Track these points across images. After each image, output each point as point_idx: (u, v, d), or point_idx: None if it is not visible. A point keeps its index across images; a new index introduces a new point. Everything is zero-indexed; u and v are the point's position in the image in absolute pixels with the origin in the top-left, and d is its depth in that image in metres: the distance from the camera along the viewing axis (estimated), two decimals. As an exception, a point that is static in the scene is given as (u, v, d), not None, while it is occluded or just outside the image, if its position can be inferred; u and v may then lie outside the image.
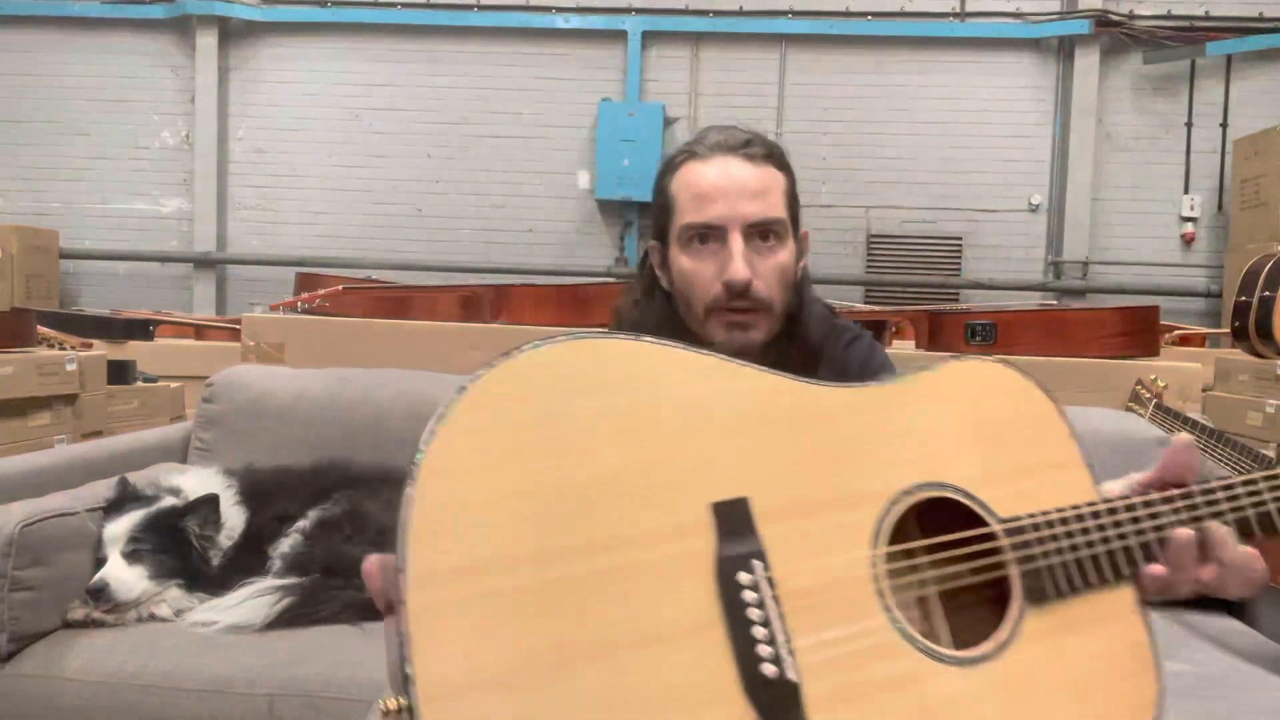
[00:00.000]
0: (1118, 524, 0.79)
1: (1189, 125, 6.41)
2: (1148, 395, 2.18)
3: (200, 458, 2.14)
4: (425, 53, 6.78)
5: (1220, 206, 6.35)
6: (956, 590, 0.79)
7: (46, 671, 1.50)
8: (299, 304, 3.10)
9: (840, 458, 0.75)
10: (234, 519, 1.76)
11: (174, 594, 1.64)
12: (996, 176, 6.54)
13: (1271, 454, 1.83)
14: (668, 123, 6.55)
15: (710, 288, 1.14)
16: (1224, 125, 6.35)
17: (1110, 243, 6.51)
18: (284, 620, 1.59)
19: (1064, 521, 0.78)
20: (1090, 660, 0.75)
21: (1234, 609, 1.95)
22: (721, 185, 1.14)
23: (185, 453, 2.19)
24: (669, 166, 1.21)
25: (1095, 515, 0.79)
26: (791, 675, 0.66)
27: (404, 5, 6.75)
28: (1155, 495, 0.81)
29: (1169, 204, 6.46)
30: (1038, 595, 0.76)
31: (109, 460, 1.99)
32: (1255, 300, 3.03)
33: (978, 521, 0.78)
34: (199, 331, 4.85)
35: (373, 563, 0.68)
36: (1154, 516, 0.80)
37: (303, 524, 1.75)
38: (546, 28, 6.69)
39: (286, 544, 1.72)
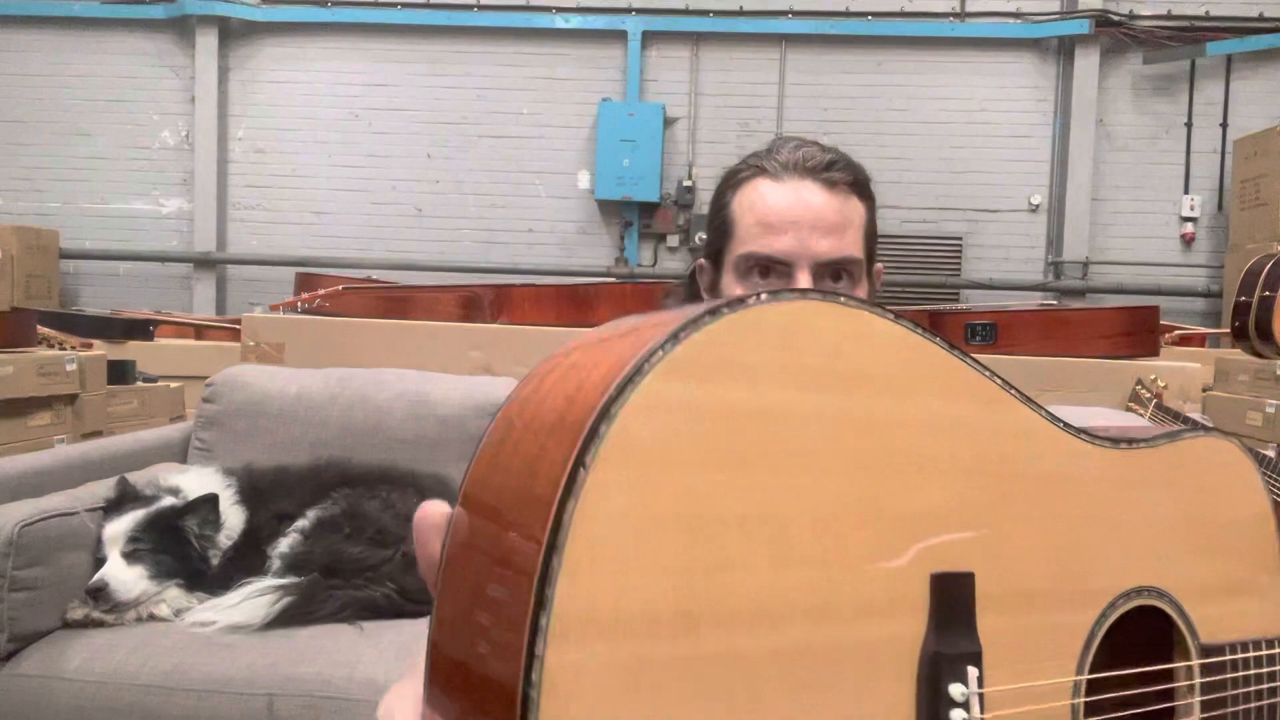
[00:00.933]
0: None
1: (1189, 125, 6.41)
2: (1148, 395, 2.18)
3: (200, 458, 2.14)
4: (425, 53, 6.78)
5: (1220, 206, 6.35)
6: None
7: (46, 671, 1.50)
8: (299, 304, 3.10)
9: (1076, 539, 0.57)
10: (233, 519, 1.76)
11: (173, 594, 1.65)
12: (996, 176, 6.54)
13: (1271, 454, 1.83)
14: (668, 123, 6.55)
15: None
16: (1224, 125, 6.35)
17: (1110, 243, 6.51)
18: (283, 620, 1.59)
19: (1263, 656, 0.63)
20: None
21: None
22: (793, 214, 0.98)
23: (185, 453, 2.19)
24: (733, 180, 1.04)
25: None
26: None
27: (404, 5, 6.75)
28: None
29: (1169, 204, 6.46)
30: None
31: (109, 460, 1.99)
32: (1255, 300, 3.03)
33: (1168, 642, 0.62)
34: (199, 331, 4.85)
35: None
36: None
37: (302, 524, 1.75)
38: (546, 28, 6.69)
39: (285, 544, 1.72)
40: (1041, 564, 0.55)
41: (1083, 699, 0.55)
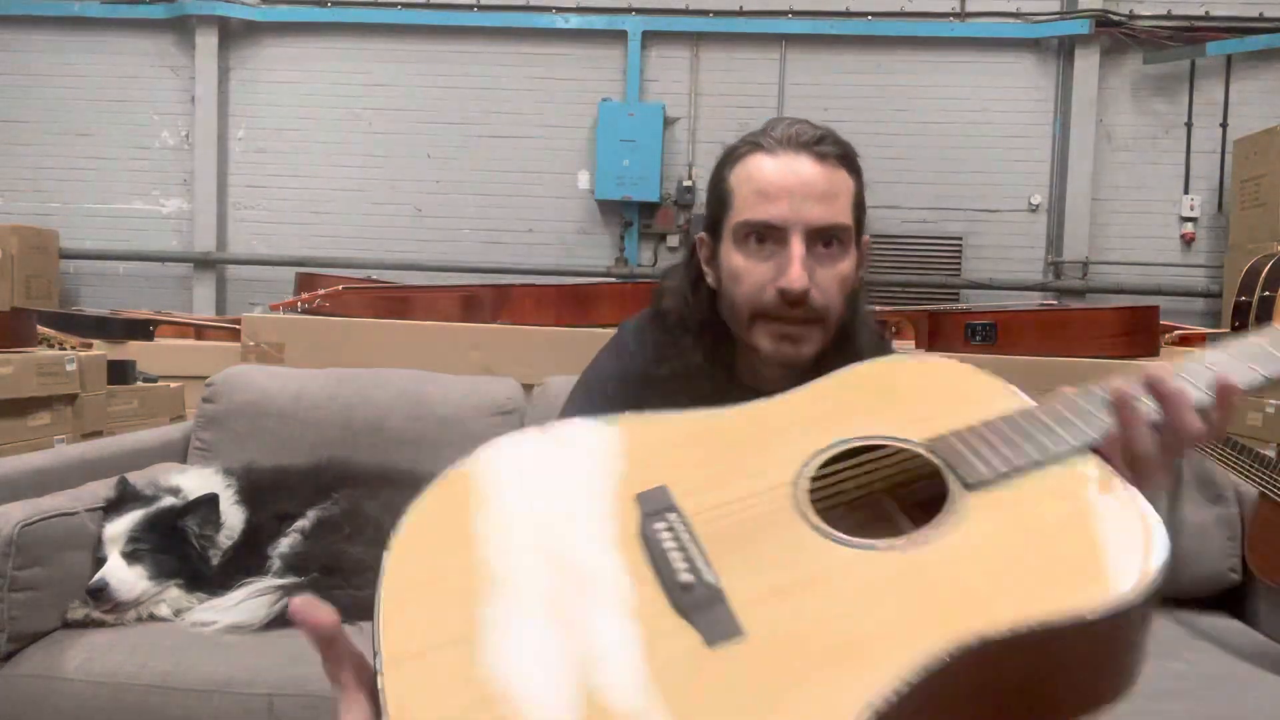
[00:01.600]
0: (1050, 414, 0.78)
1: (1189, 125, 6.41)
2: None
3: (200, 458, 2.14)
4: (425, 53, 6.78)
5: (1220, 206, 6.35)
6: (909, 503, 0.80)
7: (46, 671, 1.50)
8: (299, 304, 3.10)
9: (754, 446, 0.79)
10: (233, 519, 1.76)
11: (173, 594, 1.65)
12: (996, 176, 6.54)
13: (1271, 454, 1.83)
14: (668, 123, 6.55)
15: (762, 292, 1.07)
16: (1224, 125, 6.35)
17: (1110, 243, 6.51)
18: (283, 620, 1.59)
19: (988, 424, 0.77)
20: (1059, 514, 0.70)
21: (1234, 609, 1.95)
22: (787, 183, 1.07)
23: (185, 453, 2.19)
24: (730, 156, 1.13)
25: (1016, 415, 0.78)
26: (709, 578, 0.67)
27: (404, 5, 6.75)
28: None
29: (1169, 204, 6.46)
30: (972, 481, 0.72)
31: (109, 460, 1.99)
32: (1255, 300, 3.02)
33: (894, 456, 0.79)
34: (199, 331, 4.85)
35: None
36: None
37: (302, 524, 1.76)
38: (546, 28, 6.69)
39: (286, 544, 1.72)
40: (729, 463, 0.78)
41: (805, 490, 0.74)
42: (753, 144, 1.11)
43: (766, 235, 1.07)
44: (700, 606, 0.66)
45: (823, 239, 1.07)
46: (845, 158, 1.12)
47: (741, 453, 0.79)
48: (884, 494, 0.81)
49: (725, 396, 0.93)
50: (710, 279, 1.16)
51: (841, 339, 1.11)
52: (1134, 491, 0.71)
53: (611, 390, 1.19)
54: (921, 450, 0.77)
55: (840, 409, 0.83)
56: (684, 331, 1.17)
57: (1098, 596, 0.62)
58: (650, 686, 0.63)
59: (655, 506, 0.73)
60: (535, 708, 0.60)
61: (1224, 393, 0.75)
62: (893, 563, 0.69)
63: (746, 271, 1.08)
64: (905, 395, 0.84)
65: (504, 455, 0.81)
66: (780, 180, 1.07)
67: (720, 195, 1.13)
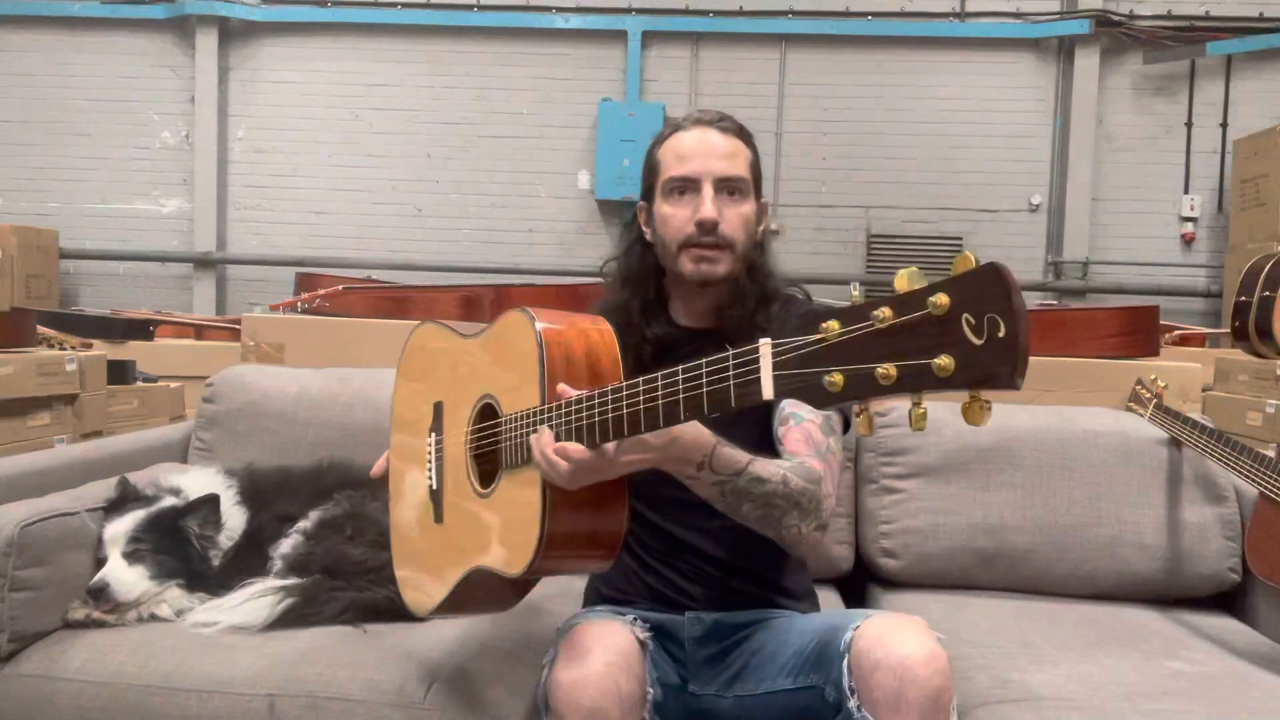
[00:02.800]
0: (526, 425, 1.15)
1: (1189, 125, 6.41)
2: (1148, 395, 2.18)
3: (200, 458, 2.14)
4: (425, 53, 6.78)
5: (1220, 206, 6.35)
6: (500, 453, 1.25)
7: (46, 671, 1.50)
8: (299, 304, 3.10)
9: (466, 380, 1.32)
10: (234, 519, 1.76)
11: (174, 594, 1.64)
12: (996, 176, 6.54)
13: (1271, 454, 1.83)
14: (668, 123, 6.54)
15: (685, 228, 1.40)
16: (1224, 125, 6.35)
17: (1110, 243, 6.51)
18: (285, 621, 1.59)
19: (514, 420, 1.18)
20: (514, 504, 1.16)
21: (1234, 609, 1.95)
22: (698, 148, 1.42)
23: (185, 453, 2.19)
24: (658, 139, 1.49)
25: (520, 418, 1.17)
26: (437, 487, 1.35)
27: (404, 5, 6.75)
28: (548, 407, 1.12)
29: (1169, 204, 6.46)
30: (506, 464, 1.20)
31: (109, 460, 1.99)
32: (1255, 300, 3.03)
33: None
34: (199, 331, 4.85)
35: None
36: (540, 420, 1.13)
37: (303, 524, 1.75)
38: (546, 28, 6.69)
39: (287, 544, 1.72)
40: (460, 391, 1.33)
41: (468, 438, 1.29)
42: (674, 126, 1.48)
43: (686, 187, 1.42)
44: (434, 499, 1.35)
45: (728, 188, 1.41)
46: (742, 132, 1.47)
47: (463, 384, 1.32)
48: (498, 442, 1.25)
49: (652, 328, 1.46)
50: (648, 235, 1.49)
51: (750, 272, 1.44)
52: (535, 499, 1.12)
53: None
54: (502, 427, 1.22)
55: (488, 364, 1.28)
56: (618, 279, 1.53)
57: (508, 570, 1.16)
58: (417, 529, 1.40)
59: (435, 421, 1.38)
60: (398, 513, 1.48)
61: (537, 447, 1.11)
62: (478, 507, 1.25)
63: (672, 215, 1.43)
64: (509, 362, 1.22)
65: (422, 337, 1.49)
66: (693, 146, 1.43)
67: (650, 166, 1.48)
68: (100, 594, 1.57)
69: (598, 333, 1.20)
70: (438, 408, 1.38)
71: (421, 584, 1.36)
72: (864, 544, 2.04)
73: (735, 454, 1.17)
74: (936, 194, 6.53)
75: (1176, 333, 4.57)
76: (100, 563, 1.63)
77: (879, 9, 6.54)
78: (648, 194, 1.48)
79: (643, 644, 1.28)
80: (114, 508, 1.70)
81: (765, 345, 0.84)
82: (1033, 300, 6.23)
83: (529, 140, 6.74)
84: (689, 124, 1.45)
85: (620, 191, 6.46)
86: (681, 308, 1.50)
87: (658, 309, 1.49)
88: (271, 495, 1.82)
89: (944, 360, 0.72)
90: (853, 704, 1.12)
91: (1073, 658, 1.61)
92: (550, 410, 1.11)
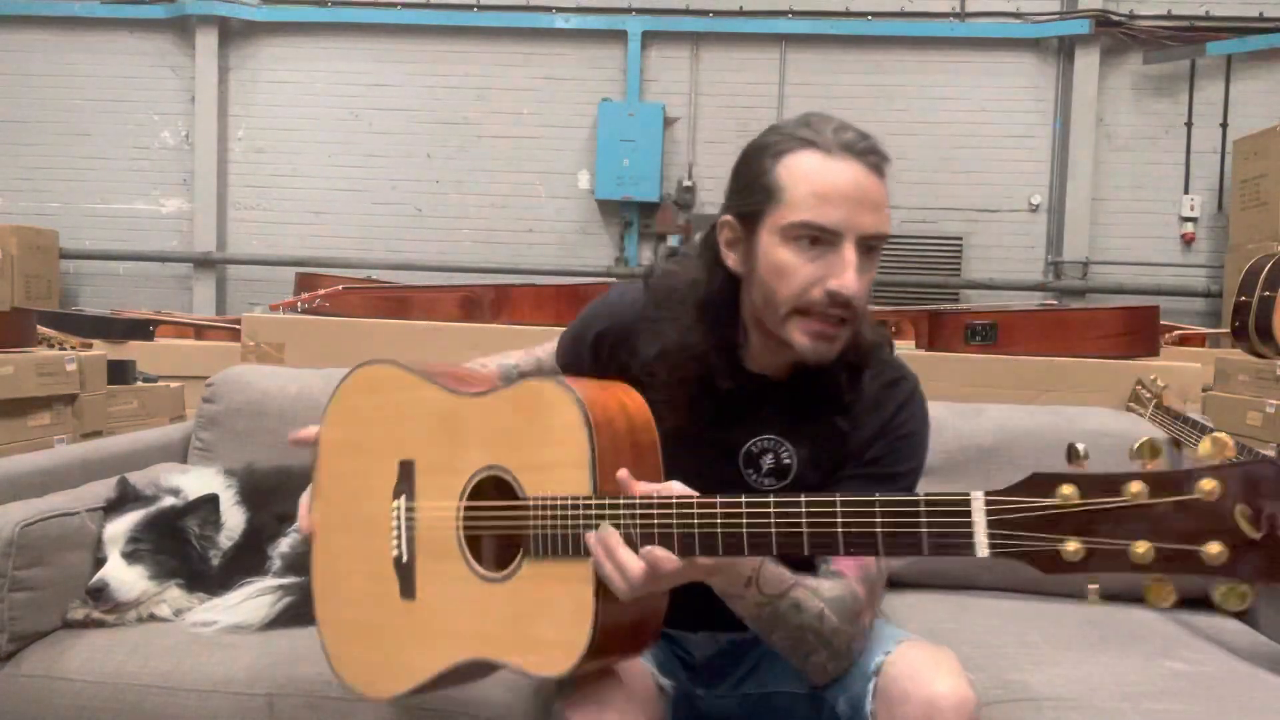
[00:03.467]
0: (574, 516, 1.03)
1: (1189, 125, 6.41)
2: (1148, 395, 2.18)
3: (200, 458, 2.14)
4: (425, 53, 6.78)
5: (1220, 206, 6.35)
6: (501, 537, 1.15)
7: (46, 671, 1.50)
8: (299, 304, 3.10)
9: (461, 442, 1.16)
10: (234, 519, 1.76)
11: (174, 594, 1.64)
12: (996, 176, 6.54)
13: (1271, 454, 1.83)
14: (668, 123, 6.55)
15: (810, 290, 1.11)
16: (1224, 125, 6.35)
17: (1110, 243, 6.51)
18: (284, 620, 1.59)
19: (554, 506, 1.05)
20: (549, 600, 1.06)
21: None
22: (846, 191, 1.10)
23: (185, 453, 2.19)
24: (777, 148, 1.14)
25: (568, 506, 1.04)
26: (407, 558, 1.18)
27: (404, 5, 6.75)
28: (608, 499, 1.01)
29: (1169, 204, 6.46)
30: (531, 551, 1.07)
31: (109, 460, 1.99)
32: (1255, 300, 3.03)
33: (514, 494, 1.11)
34: (199, 331, 4.85)
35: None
36: (598, 515, 1.02)
37: (303, 524, 1.75)
38: (546, 28, 6.69)
39: (286, 543, 1.72)
40: (446, 453, 1.17)
41: (462, 514, 1.14)
42: (808, 142, 1.12)
43: (821, 238, 1.11)
44: (401, 572, 1.18)
45: (867, 246, 1.12)
46: (884, 168, 1.15)
47: (453, 447, 1.16)
48: (505, 523, 1.13)
49: (721, 376, 1.22)
50: (732, 263, 1.20)
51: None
52: (588, 601, 1.01)
53: (591, 338, 1.33)
54: (525, 509, 1.08)
55: (501, 431, 1.13)
56: (687, 307, 1.23)
57: (533, 669, 1.06)
58: (375, 604, 1.20)
59: (403, 483, 1.20)
60: (341, 589, 1.26)
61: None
62: (480, 590, 1.11)
63: (795, 269, 1.12)
64: (537, 435, 1.10)
65: (367, 380, 1.29)
66: (841, 187, 1.10)
67: (765, 186, 1.14)
68: (100, 594, 1.57)
69: (634, 405, 1.11)
70: (406, 467, 1.21)
71: (375, 664, 1.20)
72: (864, 544, 2.03)
73: (781, 571, 1.07)
74: (936, 194, 6.53)
75: (1176, 333, 4.57)
76: (100, 563, 1.63)
77: (879, 9, 6.54)
78: (748, 216, 1.16)
79: (662, 690, 1.22)
80: (114, 508, 1.70)
81: (978, 500, 0.81)
82: (1032, 300, 6.24)
83: (529, 140, 6.75)
84: (835, 150, 1.11)
85: (620, 191, 6.47)
86: (752, 354, 1.25)
87: (732, 354, 1.24)
88: (271, 495, 1.82)
89: (1214, 548, 0.70)
90: None
91: (1073, 658, 1.60)
92: (620, 506, 1.00)
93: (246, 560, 1.72)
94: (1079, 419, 2.09)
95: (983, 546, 0.80)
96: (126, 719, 1.46)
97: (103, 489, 1.76)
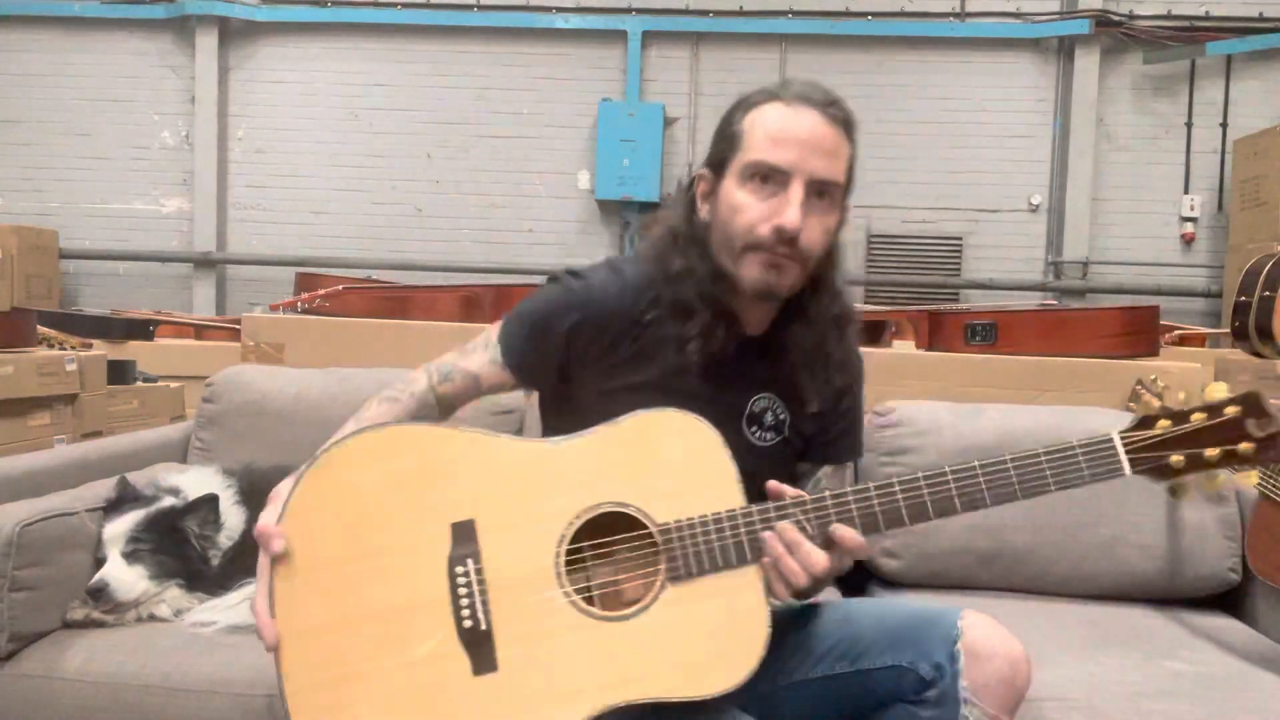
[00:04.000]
0: (734, 526, 1.08)
1: (1189, 125, 6.41)
2: (1148, 395, 2.18)
3: (200, 458, 2.14)
4: (425, 53, 6.78)
5: (1220, 206, 6.35)
6: (629, 573, 1.10)
7: (46, 671, 1.50)
8: (299, 304, 3.10)
9: (547, 490, 1.08)
10: (234, 519, 1.76)
11: (174, 594, 1.64)
12: (996, 176, 6.54)
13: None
14: (668, 123, 6.55)
15: (758, 227, 1.17)
16: (1224, 125, 6.35)
17: (1110, 243, 6.51)
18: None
19: (701, 523, 1.08)
20: (704, 618, 1.05)
21: (1234, 609, 1.95)
22: (798, 134, 1.17)
23: (185, 453, 2.19)
24: (745, 102, 1.23)
25: (725, 519, 1.08)
26: (484, 625, 1.04)
27: (404, 5, 6.75)
28: (771, 505, 1.09)
29: (1169, 204, 6.46)
30: (675, 575, 1.07)
31: (109, 460, 1.99)
32: (1255, 300, 3.03)
33: (642, 526, 1.09)
34: (199, 331, 4.85)
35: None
36: (764, 519, 1.08)
37: (302, 524, 1.75)
38: (546, 28, 6.69)
39: (286, 544, 1.72)
40: (522, 505, 1.07)
41: (564, 561, 1.06)
42: (771, 94, 1.21)
43: (771, 176, 1.17)
44: (474, 644, 1.03)
45: (819, 190, 1.18)
46: (849, 124, 1.22)
47: (535, 496, 1.08)
48: (624, 555, 1.11)
49: (717, 329, 1.23)
50: (704, 213, 1.26)
51: (821, 287, 1.27)
52: (762, 602, 1.06)
53: (565, 329, 1.27)
54: (655, 534, 1.08)
55: (615, 465, 1.10)
56: (687, 251, 1.26)
57: (699, 691, 1.02)
58: (430, 694, 1.01)
59: (462, 546, 1.06)
60: (358, 691, 1.01)
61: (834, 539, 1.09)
62: (601, 633, 1.04)
63: (748, 206, 1.18)
64: (663, 459, 1.10)
65: (367, 450, 1.10)
66: (792, 129, 1.17)
67: (730, 135, 1.22)
68: (100, 594, 1.57)
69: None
70: (463, 529, 1.07)
71: None
72: (864, 544, 2.03)
73: None
74: (936, 194, 6.53)
75: (1176, 333, 4.57)
76: (100, 563, 1.63)
77: (879, 9, 6.54)
78: (717, 165, 1.24)
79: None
80: (113, 508, 1.70)
81: (1116, 438, 1.12)
82: (1032, 300, 6.24)
83: (529, 140, 6.74)
84: (792, 98, 1.19)
85: (620, 191, 6.46)
86: (735, 309, 1.28)
87: (723, 307, 1.25)
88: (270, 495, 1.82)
89: (1245, 446, 1.08)
90: (964, 683, 1.16)
91: (1073, 658, 1.60)
92: (788, 508, 1.09)
93: (246, 560, 1.71)
94: (1079, 419, 2.08)
95: (1127, 469, 1.10)
96: (126, 719, 1.46)
97: (103, 489, 1.76)
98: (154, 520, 1.67)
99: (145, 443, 2.16)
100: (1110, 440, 1.11)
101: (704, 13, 6.63)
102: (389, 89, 6.80)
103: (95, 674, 1.48)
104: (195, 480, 1.81)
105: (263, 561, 1.07)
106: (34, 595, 1.55)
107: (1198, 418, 1.10)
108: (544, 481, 1.09)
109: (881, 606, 1.35)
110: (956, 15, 6.53)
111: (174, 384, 3.85)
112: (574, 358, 1.27)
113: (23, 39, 6.91)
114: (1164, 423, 1.12)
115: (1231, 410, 1.10)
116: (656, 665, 1.03)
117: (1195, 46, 6.27)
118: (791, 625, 1.29)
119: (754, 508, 1.09)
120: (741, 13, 6.60)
